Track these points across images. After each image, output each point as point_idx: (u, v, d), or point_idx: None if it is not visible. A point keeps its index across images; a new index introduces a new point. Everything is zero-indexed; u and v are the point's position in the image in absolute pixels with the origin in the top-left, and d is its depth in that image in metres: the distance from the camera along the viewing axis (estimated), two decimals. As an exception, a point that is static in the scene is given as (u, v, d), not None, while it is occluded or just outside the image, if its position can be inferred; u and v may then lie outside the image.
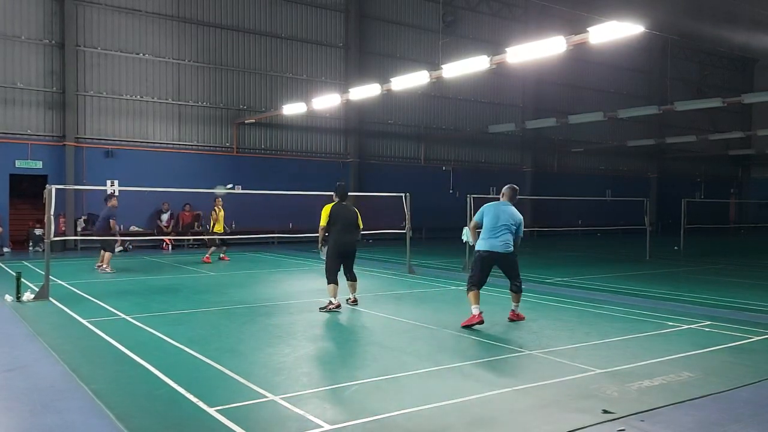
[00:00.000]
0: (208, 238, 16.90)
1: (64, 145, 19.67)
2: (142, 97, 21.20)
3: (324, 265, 9.28)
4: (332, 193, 9.54)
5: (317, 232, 9.41)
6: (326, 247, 9.33)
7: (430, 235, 26.29)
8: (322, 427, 4.40)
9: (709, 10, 27.06)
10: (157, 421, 4.53)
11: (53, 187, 10.17)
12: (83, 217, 19.93)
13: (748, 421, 4.66)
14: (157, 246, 20.78)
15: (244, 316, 8.69)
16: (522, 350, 6.73)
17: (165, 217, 21.23)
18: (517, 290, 8.26)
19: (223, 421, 4.48)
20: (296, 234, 21.48)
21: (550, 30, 17.25)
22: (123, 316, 8.58)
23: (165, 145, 21.63)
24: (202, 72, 22.34)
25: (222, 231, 16.44)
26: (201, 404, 4.84)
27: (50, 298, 9.80)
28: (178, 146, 21.86)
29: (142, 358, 6.19)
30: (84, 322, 8.11)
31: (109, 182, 19.90)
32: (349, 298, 9.57)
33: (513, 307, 8.32)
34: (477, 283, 7.96)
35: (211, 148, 22.56)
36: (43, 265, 10.30)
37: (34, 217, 19.78)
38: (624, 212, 31.48)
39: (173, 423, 4.52)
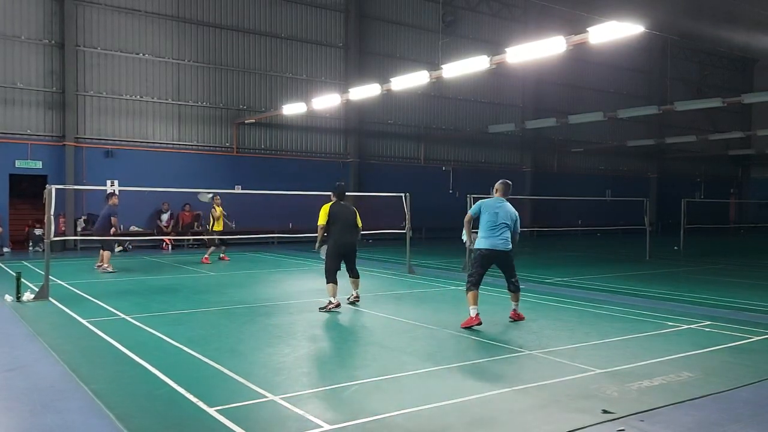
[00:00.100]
0: (207, 238, 16.89)
1: (64, 145, 19.67)
2: (142, 97, 21.20)
3: (324, 265, 9.29)
4: (330, 192, 9.55)
5: (317, 232, 9.40)
6: (326, 247, 9.33)
7: (430, 235, 26.29)
8: (322, 427, 4.40)
9: (709, 10, 27.06)
10: (157, 421, 4.53)
11: (53, 187, 10.17)
12: (83, 217, 19.93)
13: (748, 421, 4.66)
14: (157, 246, 20.78)
15: (244, 316, 8.69)
16: (522, 350, 6.73)
17: (165, 217, 21.23)
18: (515, 289, 8.27)
19: (223, 421, 4.48)
20: (296, 234, 21.50)
21: (550, 30, 17.25)
22: (123, 316, 8.58)
23: (165, 145, 21.63)
24: (202, 72, 22.34)
25: (221, 230, 16.44)
26: (201, 404, 4.84)
27: (50, 298, 9.80)
28: (178, 146, 21.87)
29: (142, 358, 6.19)
30: (84, 322, 8.12)
31: (109, 182, 19.90)
32: (352, 295, 9.58)
33: (513, 307, 8.32)
34: (477, 282, 7.94)
35: (211, 148, 22.56)
36: (43, 265, 10.30)
37: (33, 217, 19.79)
38: (624, 212, 31.48)
39: (173, 423, 4.52)
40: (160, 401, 4.99)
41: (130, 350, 6.54)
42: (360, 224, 9.56)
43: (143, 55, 21.16)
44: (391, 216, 18.40)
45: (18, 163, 19.25)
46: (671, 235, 26.74)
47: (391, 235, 19.75)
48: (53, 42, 19.75)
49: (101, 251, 14.13)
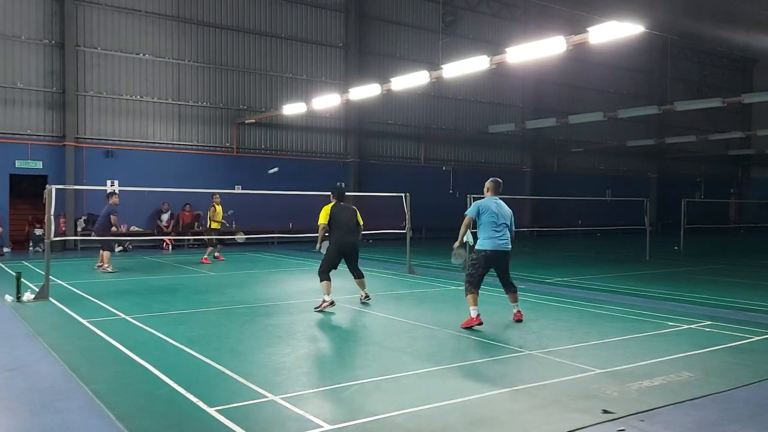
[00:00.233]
0: (207, 239, 16.89)
1: (64, 145, 19.68)
2: (142, 97, 21.20)
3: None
4: (330, 193, 9.57)
5: (317, 232, 9.42)
6: (327, 244, 9.33)
7: (430, 235, 26.30)
8: (322, 427, 4.40)
9: (709, 10, 27.04)
10: (157, 421, 4.53)
11: (53, 187, 10.17)
12: (83, 217, 19.93)
13: (748, 421, 4.66)
14: (157, 246, 20.78)
15: (244, 316, 8.69)
16: (522, 350, 6.73)
17: (165, 217, 21.23)
18: (514, 290, 8.28)
19: (223, 421, 4.48)
20: (296, 234, 21.49)
21: (550, 30, 17.25)
22: (123, 316, 8.59)
23: (165, 145, 21.63)
24: (202, 72, 22.35)
25: (218, 228, 16.43)
26: (201, 404, 4.84)
27: (50, 298, 9.80)
28: (178, 146, 21.87)
29: (142, 358, 6.19)
30: (84, 322, 8.12)
31: (109, 182, 19.91)
32: (362, 295, 9.64)
33: (515, 309, 8.31)
34: (477, 284, 7.91)
35: (211, 148, 22.57)
36: (43, 265, 10.31)
37: (33, 216, 19.76)
38: (624, 212, 31.48)
39: (173, 423, 4.52)
40: (160, 401, 4.99)
41: (130, 350, 6.54)
42: (361, 222, 9.60)
43: (143, 55, 21.16)
44: (391, 216, 18.38)
45: (18, 163, 19.26)
46: (671, 235, 26.74)
47: (391, 235, 19.74)
48: (53, 42, 19.75)
49: (101, 251, 14.14)
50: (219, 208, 16.32)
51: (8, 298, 9.73)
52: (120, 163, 20.47)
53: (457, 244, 8.18)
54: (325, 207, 9.31)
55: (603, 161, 34.59)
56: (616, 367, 6.02)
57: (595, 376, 5.73)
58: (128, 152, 20.81)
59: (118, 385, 5.43)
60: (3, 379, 5.58)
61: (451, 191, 27.83)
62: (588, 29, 11.49)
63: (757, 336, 7.56)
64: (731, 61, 39.66)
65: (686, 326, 8.15)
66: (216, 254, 16.77)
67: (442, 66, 15.78)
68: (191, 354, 6.45)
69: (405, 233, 14.64)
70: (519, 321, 8.23)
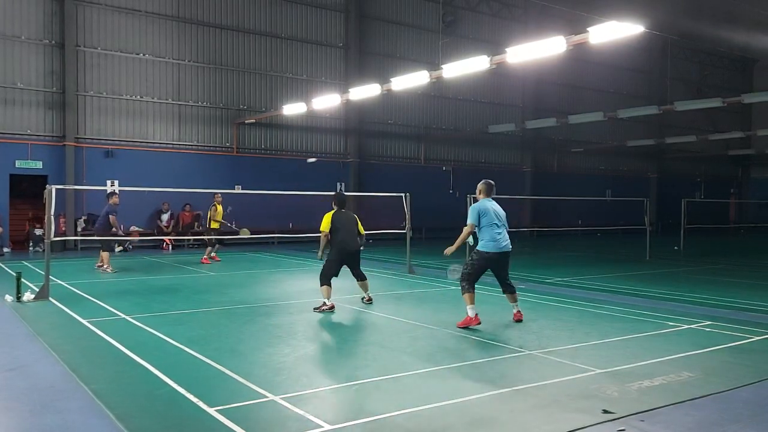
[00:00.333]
0: (208, 239, 16.88)
1: (64, 145, 19.68)
2: (141, 97, 21.20)
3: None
4: (331, 192, 9.62)
5: (316, 232, 9.46)
6: (328, 251, 9.38)
7: (430, 235, 26.28)
8: (322, 427, 4.40)
9: (709, 10, 27.05)
10: (157, 421, 4.54)
11: (53, 187, 10.17)
12: (83, 217, 19.94)
13: (748, 421, 4.66)
14: (157, 246, 20.78)
15: (244, 316, 8.69)
16: (522, 350, 6.73)
17: (165, 217, 21.23)
18: (513, 290, 8.29)
19: (223, 421, 4.48)
20: (296, 234, 21.50)
21: (550, 30, 17.25)
22: (123, 316, 8.59)
23: (165, 145, 21.63)
24: (202, 72, 22.35)
25: (218, 227, 16.41)
26: (201, 404, 4.84)
27: (50, 298, 9.80)
28: (178, 146, 21.87)
29: (142, 358, 6.19)
30: (84, 322, 8.12)
31: (109, 182, 19.91)
32: (364, 298, 9.68)
33: (515, 309, 8.31)
34: (474, 283, 7.91)
35: (211, 148, 22.57)
36: (43, 265, 10.31)
37: (33, 215, 19.74)
38: (624, 212, 31.50)
39: (173, 423, 4.52)
40: (160, 401, 4.99)
41: (130, 350, 6.54)
42: (362, 231, 9.71)
43: (143, 55, 21.16)
44: (391, 216, 18.40)
45: (18, 163, 19.26)
46: (671, 235, 26.74)
47: (391, 235, 19.75)
48: (53, 42, 19.75)
49: (101, 251, 14.13)
50: (220, 208, 16.31)
51: (8, 298, 9.73)
52: (120, 163, 20.48)
53: (451, 249, 8.02)
54: (326, 215, 9.37)
55: (603, 161, 34.59)
56: (616, 367, 6.02)
57: (595, 376, 5.73)
58: (128, 152, 20.81)
59: (118, 385, 5.43)
60: (3, 379, 5.58)
61: (451, 191, 27.83)
62: (588, 29, 11.49)
63: (757, 336, 7.56)
64: (731, 61, 39.67)
65: (686, 326, 8.15)
66: (212, 254, 16.68)
67: (442, 66, 15.78)
68: (191, 354, 6.46)
69: (405, 233, 14.64)
70: (519, 321, 8.22)
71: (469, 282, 7.89)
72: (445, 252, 8.08)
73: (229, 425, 4.41)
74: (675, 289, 11.82)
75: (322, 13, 24.92)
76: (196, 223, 21.47)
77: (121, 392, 5.21)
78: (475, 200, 8.29)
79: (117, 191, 14.50)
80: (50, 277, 10.26)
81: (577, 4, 23.85)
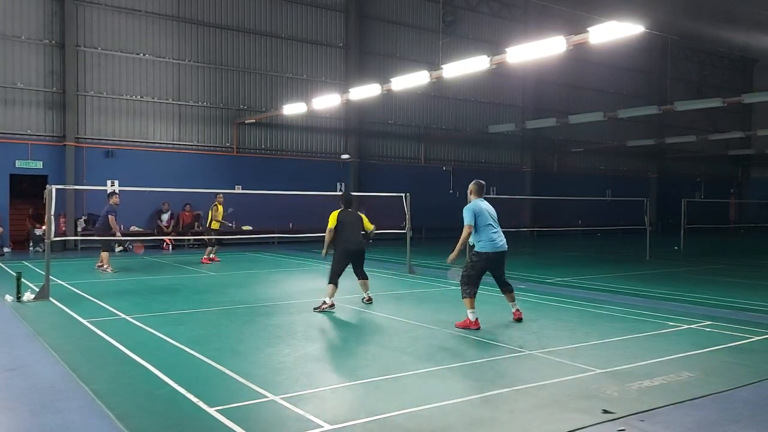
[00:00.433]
0: (208, 239, 16.87)
1: (64, 145, 19.67)
2: (142, 97, 21.20)
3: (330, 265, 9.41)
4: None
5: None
6: (333, 251, 9.43)
7: (430, 235, 26.29)
8: (322, 427, 4.40)
9: (709, 10, 27.06)
10: (157, 421, 4.54)
11: (53, 187, 10.17)
12: (83, 217, 19.94)
13: (748, 421, 4.67)
14: (158, 246, 20.78)
15: (244, 316, 8.69)
16: (522, 350, 6.73)
17: (165, 217, 21.23)
18: (511, 289, 8.30)
19: (223, 421, 4.48)
20: (296, 234, 21.51)
21: (550, 30, 17.25)
22: (123, 316, 8.59)
23: (165, 145, 21.63)
24: (202, 72, 22.35)
25: (218, 228, 16.39)
26: (201, 404, 4.84)
27: (50, 298, 9.80)
28: (178, 146, 21.87)
29: (142, 358, 6.20)
30: (84, 322, 8.12)
31: (109, 182, 19.91)
32: (364, 297, 9.70)
33: (514, 308, 8.32)
34: (476, 285, 7.88)
35: (211, 148, 22.57)
36: (43, 265, 10.31)
37: (33, 209, 19.68)
38: (624, 212, 31.50)
39: (173, 423, 4.52)
40: (160, 401, 4.99)
41: (130, 350, 6.54)
42: (371, 226, 9.74)
43: (143, 55, 21.16)
44: (391, 216, 18.39)
45: (18, 163, 19.26)
46: (671, 235, 26.74)
47: (392, 235, 19.74)
48: (53, 42, 19.75)
49: (101, 251, 14.13)
50: (221, 208, 16.30)
51: (8, 298, 9.73)
52: (120, 163, 20.48)
53: (453, 256, 7.86)
54: (333, 213, 9.44)
55: (603, 161, 34.60)
56: (616, 367, 6.02)
57: (595, 376, 5.73)
58: (128, 152, 20.81)
59: (118, 385, 5.43)
60: (3, 379, 5.59)
61: (451, 191, 27.83)
62: (588, 29, 11.49)
63: (757, 336, 7.56)
64: (731, 61, 39.66)
65: (686, 326, 8.15)
66: (212, 255, 16.66)
67: (442, 66, 15.77)
68: (191, 354, 6.46)
69: (405, 233, 14.64)
70: (519, 320, 8.22)
71: (470, 286, 7.84)
72: (448, 261, 7.93)
73: (229, 425, 4.41)
74: (675, 289, 11.82)
75: (322, 13, 24.92)
76: (196, 223, 21.47)
77: (122, 392, 5.21)
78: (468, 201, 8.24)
79: (117, 191, 14.50)
80: (50, 277, 10.26)
81: (577, 4, 23.86)
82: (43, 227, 10.80)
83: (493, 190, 27.10)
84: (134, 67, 21.03)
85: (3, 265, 14.76)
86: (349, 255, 9.35)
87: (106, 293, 10.60)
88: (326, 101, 20.54)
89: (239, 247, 20.82)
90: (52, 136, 19.81)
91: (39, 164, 19.51)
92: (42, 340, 7.07)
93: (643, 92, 35.00)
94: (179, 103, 21.89)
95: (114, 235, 14.02)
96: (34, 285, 10.71)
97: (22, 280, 9.97)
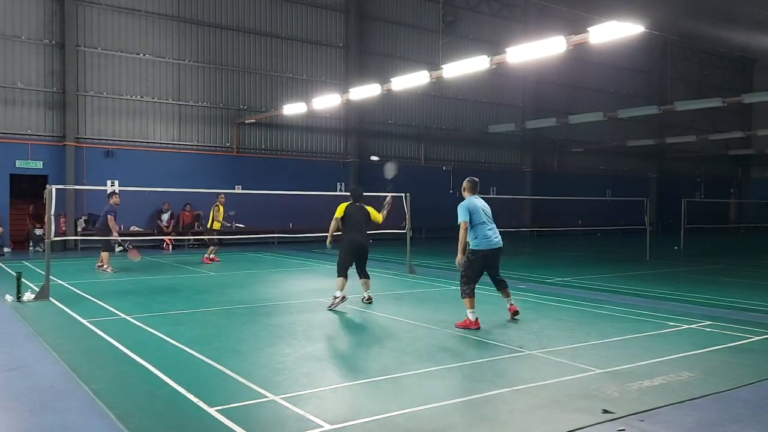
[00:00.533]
0: (208, 239, 16.88)
1: (65, 145, 19.68)
2: (142, 97, 21.21)
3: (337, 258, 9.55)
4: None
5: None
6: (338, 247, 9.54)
7: (430, 235, 26.30)
8: (322, 427, 4.40)
9: (709, 10, 27.06)
10: (157, 421, 4.54)
11: (53, 187, 10.17)
12: (83, 217, 19.94)
13: (748, 421, 4.67)
14: (158, 246, 20.78)
15: (245, 316, 8.69)
16: (522, 350, 6.73)
17: (165, 217, 21.24)
18: (506, 285, 8.36)
19: (223, 421, 4.48)
20: (296, 234, 21.50)
21: (550, 30, 17.25)
22: (123, 316, 8.59)
23: (165, 145, 21.64)
24: (202, 72, 22.35)
25: (219, 228, 16.39)
26: (201, 404, 4.84)
27: (50, 298, 9.80)
28: (178, 146, 21.87)
29: (142, 358, 6.20)
30: (84, 322, 8.12)
31: (109, 182, 19.92)
32: (364, 297, 9.73)
33: (510, 303, 8.36)
34: (474, 284, 7.89)
35: (211, 148, 22.57)
36: (43, 265, 10.31)
37: (33, 207, 19.68)
38: (624, 212, 31.49)
39: (173, 423, 4.52)
40: (160, 401, 4.99)
41: (130, 350, 6.54)
42: (378, 218, 9.91)
43: (143, 55, 21.16)
44: (392, 216, 18.35)
45: (18, 163, 19.26)
46: (671, 235, 26.74)
47: (392, 235, 19.72)
48: (53, 42, 19.75)
49: (101, 251, 14.14)
50: (222, 209, 16.29)
51: (8, 298, 9.73)
52: (120, 163, 20.48)
53: (459, 256, 7.85)
54: (341, 204, 9.63)
55: (603, 161, 34.60)
56: (616, 367, 6.02)
57: (595, 376, 5.73)
58: (128, 152, 20.82)
59: (118, 385, 5.43)
60: (3, 379, 5.58)
61: (451, 191, 27.77)
62: (588, 29, 11.49)
63: (757, 336, 7.56)
64: (731, 61, 39.66)
65: (686, 326, 8.15)
66: (212, 255, 16.66)
67: (442, 66, 15.78)
68: (191, 354, 6.46)
69: (405, 233, 14.64)
70: (516, 313, 8.28)
71: (469, 285, 7.84)
72: (457, 264, 7.89)
73: (229, 425, 4.41)
74: (675, 289, 11.82)
75: (322, 13, 24.93)
76: (196, 223, 21.48)
77: (122, 392, 5.21)
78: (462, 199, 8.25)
79: (117, 191, 14.50)
80: (50, 277, 10.26)
81: (577, 4, 23.86)
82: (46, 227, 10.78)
83: (493, 190, 27.12)
84: (134, 67, 21.03)
85: (3, 265, 14.76)
86: (353, 251, 9.44)
87: (106, 293, 10.60)
88: (326, 101, 20.54)
89: (239, 247, 20.82)
90: (52, 136, 19.81)
91: (39, 164, 19.51)
92: (42, 340, 7.07)
93: (643, 92, 35.00)
94: (179, 103, 21.89)
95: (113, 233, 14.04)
96: (34, 285, 10.70)
97: (22, 280, 9.97)
